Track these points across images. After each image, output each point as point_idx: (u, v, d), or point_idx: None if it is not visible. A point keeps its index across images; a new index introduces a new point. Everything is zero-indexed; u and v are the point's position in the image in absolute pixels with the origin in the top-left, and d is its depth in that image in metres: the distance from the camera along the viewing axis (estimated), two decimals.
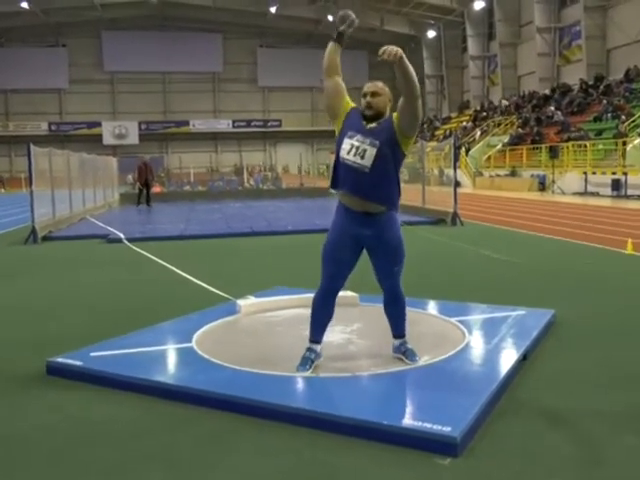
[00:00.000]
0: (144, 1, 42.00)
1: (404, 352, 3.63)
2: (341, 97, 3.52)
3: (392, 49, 3.13)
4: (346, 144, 3.38)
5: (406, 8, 41.70)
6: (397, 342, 3.68)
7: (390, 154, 3.37)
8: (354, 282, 3.95)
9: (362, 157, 3.33)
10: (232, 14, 44.45)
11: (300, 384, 3.34)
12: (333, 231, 3.49)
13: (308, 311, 3.62)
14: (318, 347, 3.57)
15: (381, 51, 3.13)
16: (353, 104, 3.54)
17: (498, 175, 27.73)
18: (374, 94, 3.39)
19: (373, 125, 3.38)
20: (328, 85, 3.53)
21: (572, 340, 4.25)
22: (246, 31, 48.19)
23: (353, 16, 3.45)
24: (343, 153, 3.39)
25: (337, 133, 3.52)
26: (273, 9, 42.43)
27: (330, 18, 42.96)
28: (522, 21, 36.89)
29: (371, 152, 3.33)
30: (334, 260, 3.46)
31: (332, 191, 3.45)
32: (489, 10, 38.34)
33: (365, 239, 3.44)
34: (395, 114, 3.40)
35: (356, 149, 3.34)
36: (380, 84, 3.45)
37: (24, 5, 38.58)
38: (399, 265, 3.52)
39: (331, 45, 3.50)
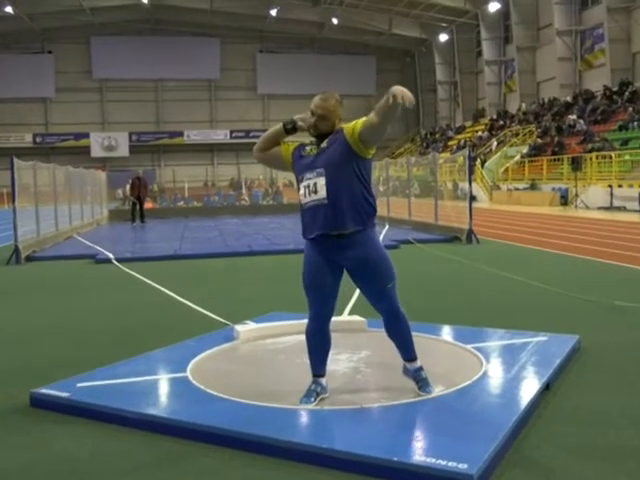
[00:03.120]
0: (136, 4, 42.48)
1: (418, 381, 3.59)
2: (279, 155, 3.62)
3: (400, 92, 3.09)
4: (301, 190, 3.47)
5: (416, 10, 42.06)
6: (411, 366, 3.63)
7: (346, 170, 3.38)
8: (362, 306, 3.95)
9: (315, 192, 3.40)
10: (230, 17, 44.91)
11: (303, 417, 3.34)
12: (306, 262, 3.52)
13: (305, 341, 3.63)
14: (323, 380, 3.57)
15: (391, 98, 3.09)
16: (290, 145, 3.61)
17: (517, 189, 27.77)
18: (322, 117, 3.44)
19: (322, 146, 3.45)
20: (263, 157, 3.68)
21: (598, 368, 4.24)
22: (245, 35, 48.63)
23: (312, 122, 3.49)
24: (302, 199, 3.48)
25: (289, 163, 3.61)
26: (274, 12, 42.86)
27: (335, 21, 43.44)
28: (541, 23, 37.17)
29: (320, 182, 3.39)
30: (316, 287, 3.48)
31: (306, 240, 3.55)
32: (505, 12, 38.64)
33: (344, 261, 3.46)
34: (351, 126, 3.40)
35: (308, 188, 3.43)
36: (332, 102, 3.47)
37: (8, 10, 39.04)
38: (390, 282, 3.48)
39: (280, 130, 3.59)
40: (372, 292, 3.51)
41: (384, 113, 3.24)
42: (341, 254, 3.43)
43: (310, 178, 3.41)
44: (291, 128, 3.56)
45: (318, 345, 3.56)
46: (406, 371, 3.66)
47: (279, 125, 3.59)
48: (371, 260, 3.42)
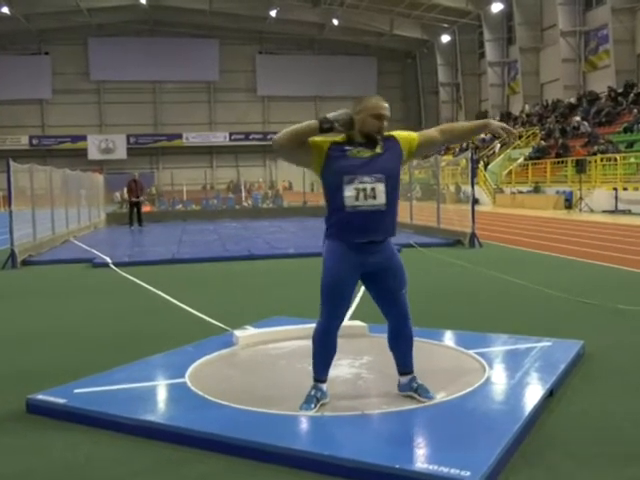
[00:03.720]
0: (134, 5, 42.59)
1: (416, 389, 3.61)
2: (309, 150, 3.42)
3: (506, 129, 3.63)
4: (349, 191, 3.36)
5: (418, 11, 42.15)
6: (405, 379, 3.66)
7: (396, 178, 3.49)
8: (363, 311, 3.96)
9: (374, 197, 3.37)
10: (229, 18, 45.01)
11: (303, 424, 3.34)
12: (335, 263, 3.45)
13: (311, 344, 3.63)
14: (324, 386, 3.57)
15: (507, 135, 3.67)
16: (325, 141, 3.44)
17: (520, 192, 27.79)
18: (386, 119, 3.44)
19: (377, 151, 3.41)
20: (289, 151, 3.43)
21: (602, 373, 4.24)
22: (244, 36, 48.73)
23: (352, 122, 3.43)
24: (350, 201, 3.37)
25: (320, 176, 3.48)
26: (273, 13, 42.96)
27: (335, 22, 43.52)
28: (544, 24, 37.24)
29: (380, 188, 3.38)
30: (339, 290, 3.45)
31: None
32: (508, 12, 38.68)
33: (369, 266, 3.47)
34: (406, 137, 3.53)
35: (364, 192, 3.36)
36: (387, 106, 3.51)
37: (4, 10, 39.16)
38: (405, 287, 3.57)
39: (315, 128, 3.37)
40: (388, 296, 3.54)
41: (459, 136, 3.74)
42: (370, 258, 3.45)
43: (366, 182, 3.35)
44: (328, 128, 3.39)
45: (325, 349, 3.54)
46: (402, 387, 3.66)
47: (314, 122, 3.37)
48: (393, 264, 3.53)
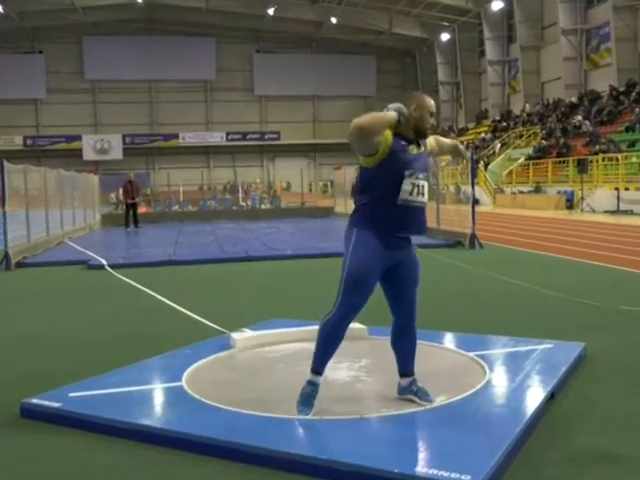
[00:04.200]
0: (129, 3, 42.60)
1: (415, 392, 3.61)
2: (379, 138, 3.38)
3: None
4: (407, 185, 3.42)
5: (417, 9, 42.21)
6: (405, 381, 3.66)
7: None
8: (362, 314, 3.95)
9: (423, 194, 3.50)
10: (226, 17, 45.02)
11: (302, 428, 3.34)
12: (366, 254, 3.43)
13: (311, 346, 3.62)
14: (320, 379, 3.55)
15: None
16: (390, 132, 3.41)
17: (521, 192, 27.83)
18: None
19: (421, 150, 3.55)
20: (365, 138, 3.37)
21: (604, 375, 4.25)
22: (241, 35, 48.76)
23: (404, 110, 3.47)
24: (405, 195, 3.42)
25: (375, 166, 3.42)
26: (271, 11, 42.96)
27: (333, 20, 43.55)
28: (545, 22, 37.28)
29: (426, 186, 3.52)
30: (362, 286, 3.43)
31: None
32: (508, 10, 38.70)
33: (394, 260, 3.52)
34: (434, 140, 3.79)
35: (417, 188, 3.46)
36: None
37: None
38: (418, 286, 3.63)
39: (394, 120, 3.37)
40: (407, 293, 3.58)
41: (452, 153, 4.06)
42: (399, 253, 3.53)
43: (421, 179, 3.47)
44: (399, 122, 3.44)
45: (334, 342, 3.50)
46: (402, 390, 3.66)
47: (393, 114, 3.37)
48: (414, 260, 3.63)
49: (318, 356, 3.53)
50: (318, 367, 3.54)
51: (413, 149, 3.48)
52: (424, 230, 3.64)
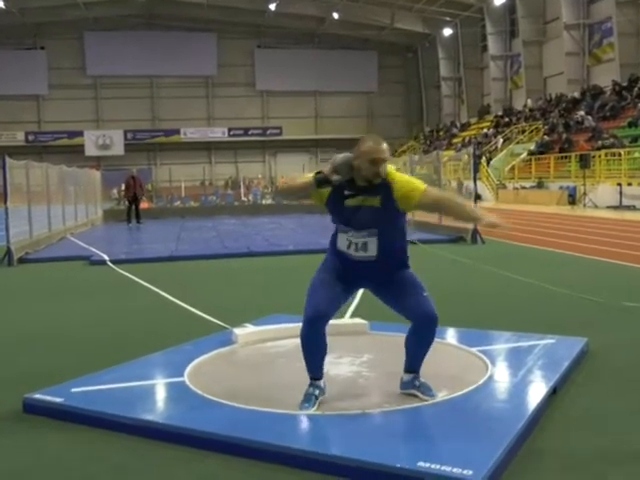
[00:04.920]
0: None
1: (418, 387, 3.61)
2: (311, 197, 3.56)
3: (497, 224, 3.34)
4: (342, 239, 3.49)
5: (419, 4, 42.07)
6: (408, 377, 3.66)
7: (393, 230, 3.48)
8: (364, 309, 3.96)
9: (365, 250, 3.44)
10: (227, 12, 44.93)
11: (303, 423, 3.35)
12: (324, 270, 3.57)
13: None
14: (321, 382, 3.57)
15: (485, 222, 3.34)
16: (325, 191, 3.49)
17: (523, 187, 27.78)
18: (384, 162, 3.33)
19: (371, 202, 3.36)
20: (301, 196, 3.73)
21: (606, 371, 4.25)
22: (243, 30, 48.63)
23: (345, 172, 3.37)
24: (342, 247, 3.50)
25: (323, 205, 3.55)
26: (272, 6, 42.85)
27: (335, 15, 43.45)
28: (548, 17, 37.18)
29: (372, 242, 3.42)
30: (329, 284, 3.50)
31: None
32: (511, 5, 38.58)
33: (371, 282, 3.58)
34: (406, 191, 3.33)
35: (355, 245, 3.45)
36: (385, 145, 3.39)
37: None
38: (426, 291, 3.54)
39: (311, 185, 3.39)
40: (399, 302, 3.57)
41: (463, 217, 3.68)
42: (368, 278, 3.57)
43: (358, 237, 3.42)
44: (324, 183, 3.37)
45: (314, 349, 3.50)
46: (404, 385, 3.66)
47: (310, 180, 3.37)
48: (396, 278, 3.54)
49: (306, 365, 3.57)
50: (312, 374, 3.56)
51: (357, 201, 3.39)
52: (377, 278, 3.51)
